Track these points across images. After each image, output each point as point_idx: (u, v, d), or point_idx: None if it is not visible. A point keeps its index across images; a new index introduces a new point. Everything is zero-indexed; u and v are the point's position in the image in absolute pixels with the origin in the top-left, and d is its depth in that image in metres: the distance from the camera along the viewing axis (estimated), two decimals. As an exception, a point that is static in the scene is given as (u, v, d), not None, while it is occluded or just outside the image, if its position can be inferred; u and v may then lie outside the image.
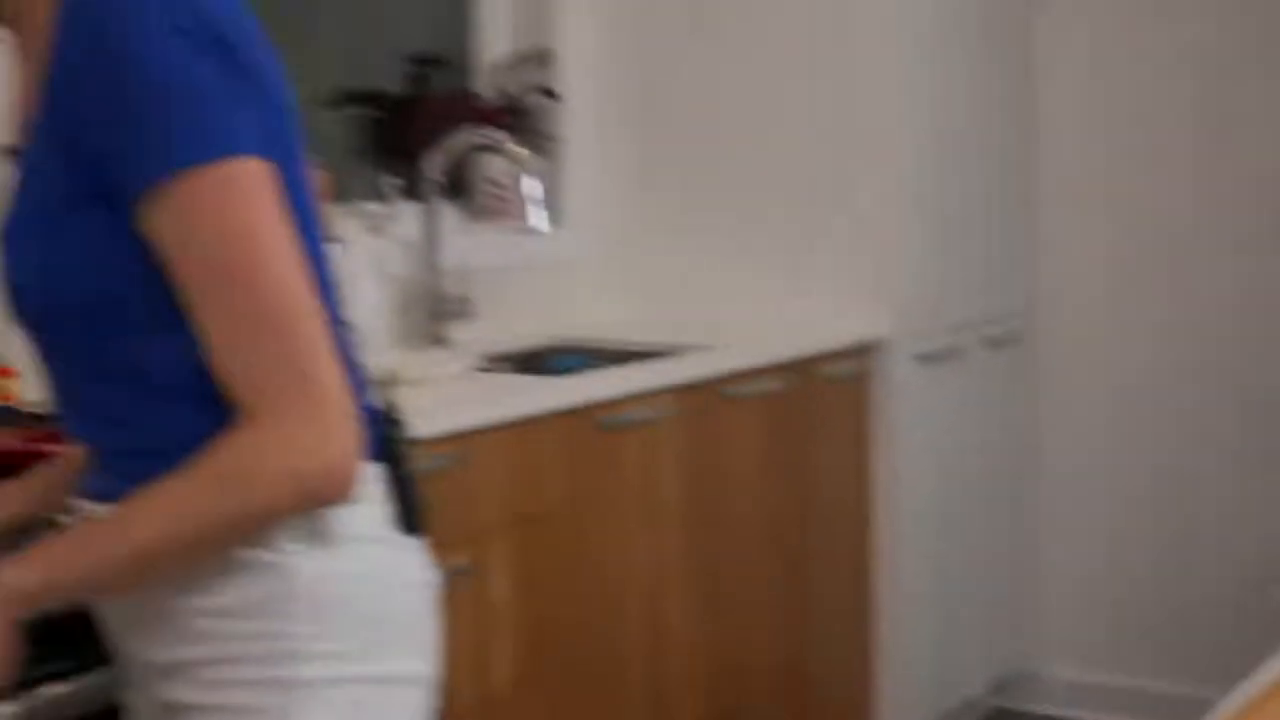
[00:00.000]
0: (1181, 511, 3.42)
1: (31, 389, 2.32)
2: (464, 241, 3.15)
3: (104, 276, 1.15)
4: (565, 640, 2.51)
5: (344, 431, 1.12)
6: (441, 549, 1.99)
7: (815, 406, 3.09)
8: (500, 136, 3.02)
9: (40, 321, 1.21)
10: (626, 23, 3.42)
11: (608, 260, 3.50)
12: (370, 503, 1.20)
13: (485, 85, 3.41)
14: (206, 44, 1.09)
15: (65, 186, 1.14)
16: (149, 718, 1.28)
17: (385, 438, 1.23)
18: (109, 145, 1.10)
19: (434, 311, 3.03)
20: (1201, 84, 3.38)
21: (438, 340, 3.00)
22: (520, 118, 3.31)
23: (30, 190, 1.18)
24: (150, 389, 1.17)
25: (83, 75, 1.11)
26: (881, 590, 3.24)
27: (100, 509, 1.22)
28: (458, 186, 3.27)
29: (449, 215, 3.19)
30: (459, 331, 3.04)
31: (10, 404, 2.27)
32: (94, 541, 1.17)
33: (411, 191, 3.10)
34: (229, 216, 1.10)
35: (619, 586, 2.63)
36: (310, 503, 1.14)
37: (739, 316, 3.26)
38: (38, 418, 2.03)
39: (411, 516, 1.27)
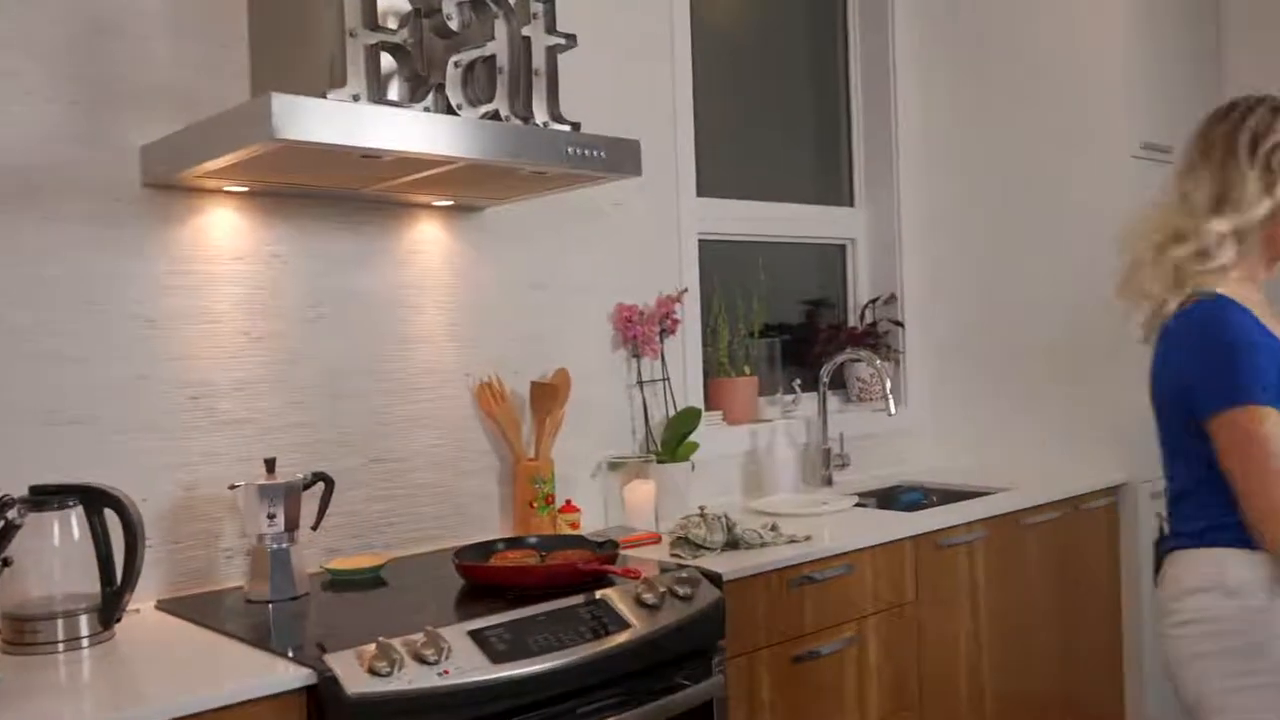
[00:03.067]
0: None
1: (591, 521, 2.66)
2: (842, 418, 3.32)
3: (1193, 448, 1.71)
4: (915, 683, 2.58)
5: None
6: (835, 626, 2.37)
7: (1080, 529, 3.07)
8: (865, 352, 3.24)
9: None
10: (944, 272, 3.56)
11: (933, 428, 3.59)
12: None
13: (854, 318, 3.58)
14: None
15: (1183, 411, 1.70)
16: None
17: None
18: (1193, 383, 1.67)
19: (825, 464, 3.20)
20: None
21: (828, 482, 3.18)
22: (877, 338, 3.45)
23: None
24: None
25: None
26: (1129, 656, 3.20)
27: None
28: (838, 383, 3.45)
29: (833, 402, 3.37)
30: (840, 476, 3.23)
31: (579, 532, 2.44)
32: None
33: (809, 387, 3.31)
34: (1240, 434, 1.61)
35: (950, 649, 2.68)
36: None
37: (1025, 465, 3.29)
38: (600, 544, 2.16)
39: None
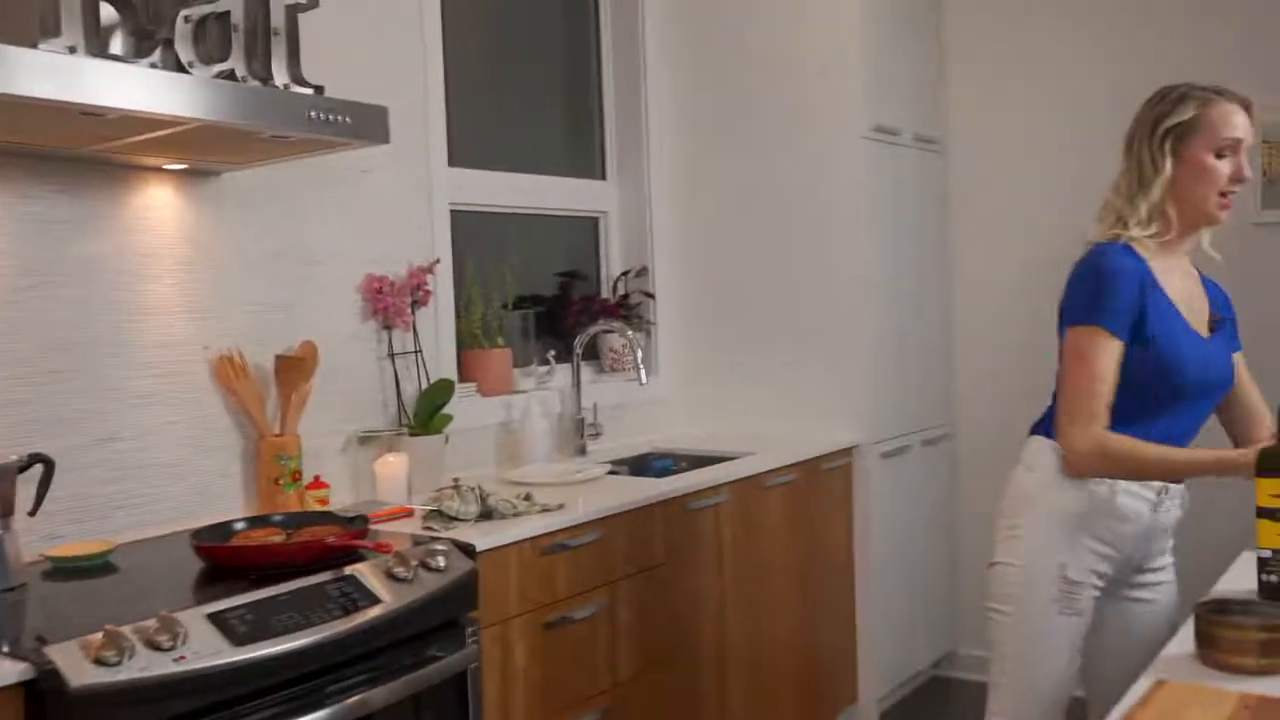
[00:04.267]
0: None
1: (341, 497, 2.57)
2: (596, 388, 3.36)
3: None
4: (664, 643, 2.65)
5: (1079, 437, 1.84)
6: (587, 591, 2.42)
7: (818, 489, 3.21)
8: (617, 323, 3.32)
9: None
10: (693, 246, 3.65)
11: (683, 397, 3.68)
12: None
13: (607, 290, 3.62)
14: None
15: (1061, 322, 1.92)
16: None
17: None
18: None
19: (579, 434, 3.24)
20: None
21: (581, 451, 3.23)
22: (629, 310, 3.50)
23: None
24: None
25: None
26: (860, 604, 3.38)
27: None
28: (592, 354, 3.49)
29: (586, 372, 3.38)
30: (593, 445, 3.28)
31: (327, 509, 2.37)
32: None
33: (563, 358, 3.33)
34: (1072, 347, 1.85)
35: (697, 607, 2.75)
36: None
37: (768, 431, 3.42)
38: (349, 519, 2.09)
39: None
